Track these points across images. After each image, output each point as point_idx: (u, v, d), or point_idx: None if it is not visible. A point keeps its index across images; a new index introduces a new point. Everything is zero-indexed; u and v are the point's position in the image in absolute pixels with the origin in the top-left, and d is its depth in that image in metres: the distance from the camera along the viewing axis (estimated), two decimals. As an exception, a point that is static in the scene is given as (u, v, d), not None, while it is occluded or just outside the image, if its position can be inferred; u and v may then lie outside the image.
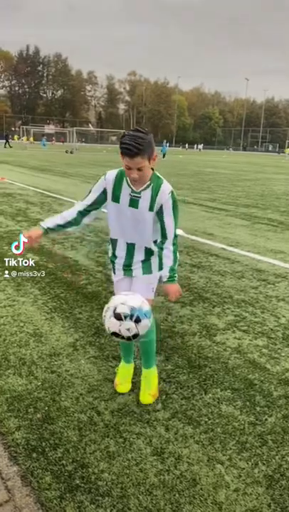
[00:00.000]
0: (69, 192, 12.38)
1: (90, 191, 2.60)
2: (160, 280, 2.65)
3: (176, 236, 2.62)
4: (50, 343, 3.40)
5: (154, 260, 2.68)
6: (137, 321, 2.30)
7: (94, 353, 3.29)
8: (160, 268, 2.62)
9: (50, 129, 76.14)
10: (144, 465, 2.20)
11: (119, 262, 2.70)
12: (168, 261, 2.58)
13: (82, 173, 19.12)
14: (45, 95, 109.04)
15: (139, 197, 2.49)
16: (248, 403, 2.74)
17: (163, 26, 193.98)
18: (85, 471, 2.14)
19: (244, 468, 2.21)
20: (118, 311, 2.31)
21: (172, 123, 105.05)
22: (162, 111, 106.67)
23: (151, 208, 2.50)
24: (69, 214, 2.61)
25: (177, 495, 2.03)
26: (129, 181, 2.47)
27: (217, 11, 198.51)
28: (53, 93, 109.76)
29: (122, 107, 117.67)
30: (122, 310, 2.31)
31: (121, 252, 2.66)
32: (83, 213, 2.61)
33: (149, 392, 2.76)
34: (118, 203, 2.51)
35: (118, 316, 2.30)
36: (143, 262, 2.67)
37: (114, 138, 70.83)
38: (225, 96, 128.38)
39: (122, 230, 2.60)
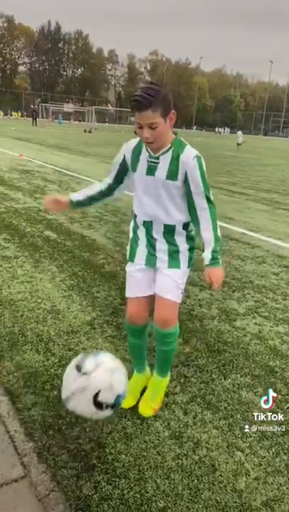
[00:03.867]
0: (86, 171, 12.26)
1: (114, 161, 2.35)
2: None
3: (212, 208, 2.22)
4: (68, 321, 3.36)
5: (184, 252, 2.28)
6: (116, 406, 1.97)
7: (111, 333, 3.23)
8: (203, 250, 2.22)
9: (69, 107, 75.44)
10: (161, 448, 2.16)
11: (142, 244, 2.31)
12: (209, 240, 2.20)
13: (100, 153, 18.95)
14: (65, 73, 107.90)
15: (158, 162, 2.14)
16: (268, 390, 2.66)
17: (186, 5, 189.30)
18: (102, 451, 2.11)
19: (265, 457, 2.14)
20: (100, 399, 1.88)
21: (192, 105, 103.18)
22: (182, 92, 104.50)
23: (170, 176, 2.12)
24: (99, 185, 2.38)
25: (196, 480, 1.98)
26: (147, 146, 2.17)
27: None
28: (73, 71, 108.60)
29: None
30: (106, 399, 1.89)
31: (140, 229, 2.32)
32: (112, 186, 2.37)
33: (151, 405, 2.41)
34: (135, 171, 2.23)
35: (98, 405, 1.89)
36: (169, 251, 2.26)
37: (132, 118, 69.93)
38: (247, 78, 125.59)
39: (139, 204, 2.27)
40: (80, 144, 24.67)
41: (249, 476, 2.03)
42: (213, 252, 2.20)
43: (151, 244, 2.30)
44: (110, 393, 1.91)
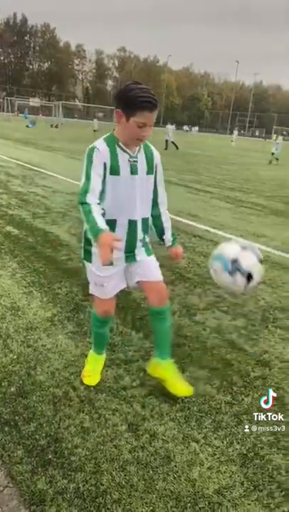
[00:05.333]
0: (52, 166, 12.11)
1: (89, 176, 2.14)
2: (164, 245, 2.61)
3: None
4: (27, 317, 3.33)
5: (148, 240, 2.50)
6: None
7: (72, 329, 3.23)
8: (160, 233, 2.55)
9: (35, 102, 74.08)
10: (118, 441, 2.18)
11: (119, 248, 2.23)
12: (168, 225, 2.55)
13: (66, 148, 18.75)
14: (31, 67, 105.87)
15: (137, 160, 2.26)
16: (225, 383, 2.73)
17: (155, 3, 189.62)
18: (58, 446, 2.11)
19: (219, 447, 2.20)
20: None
21: (160, 102, 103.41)
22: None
23: (149, 171, 2.33)
24: (97, 206, 2.11)
25: (151, 471, 2.02)
26: (123, 146, 2.21)
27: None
28: (39, 65, 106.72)
29: (110, 83, 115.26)
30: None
31: (121, 235, 2.27)
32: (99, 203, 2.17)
33: (184, 383, 2.56)
34: (118, 175, 2.21)
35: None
36: (144, 242, 2.44)
37: (100, 114, 69.37)
38: (214, 77, 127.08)
39: (121, 206, 2.26)
40: (47, 139, 24.30)
41: (203, 465, 2.08)
42: (173, 233, 2.58)
43: (131, 243, 2.37)
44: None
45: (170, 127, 25.43)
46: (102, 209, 2.14)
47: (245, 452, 2.18)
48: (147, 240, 2.48)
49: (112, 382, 2.64)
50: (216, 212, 8.36)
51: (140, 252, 2.43)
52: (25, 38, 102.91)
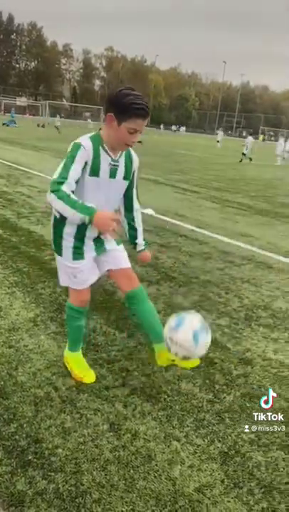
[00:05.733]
0: (38, 166, 12.03)
1: (69, 167, 2.15)
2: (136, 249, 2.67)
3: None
4: (10, 318, 3.30)
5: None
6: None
7: (55, 329, 3.21)
8: (133, 237, 2.62)
9: (22, 101, 73.56)
10: (99, 441, 2.17)
11: (89, 242, 2.39)
12: (141, 229, 2.64)
13: (53, 148, 18.64)
14: (18, 66, 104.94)
15: (118, 165, 2.32)
16: (207, 381, 2.75)
17: (142, 3, 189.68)
18: (39, 447, 2.09)
19: (200, 445, 2.21)
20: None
21: (148, 102, 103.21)
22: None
23: (126, 176, 2.40)
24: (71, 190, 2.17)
25: (132, 471, 2.01)
26: (108, 150, 2.25)
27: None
28: (26, 64, 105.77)
29: (97, 83, 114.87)
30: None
31: (92, 231, 2.35)
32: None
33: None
34: (98, 177, 2.25)
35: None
36: None
37: (88, 114, 69.08)
38: (202, 77, 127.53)
39: (95, 204, 2.22)
40: (33, 138, 24.14)
41: (184, 464, 2.08)
42: (144, 238, 2.67)
43: (100, 236, 2.45)
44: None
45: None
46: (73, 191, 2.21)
47: (226, 450, 2.19)
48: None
49: (94, 381, 2.63)
50: (203, 212, 8.39)
51: (109, 241, 2.50)
52: (12, 36, 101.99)
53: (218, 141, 37.68)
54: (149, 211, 7.28)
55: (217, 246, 5.93)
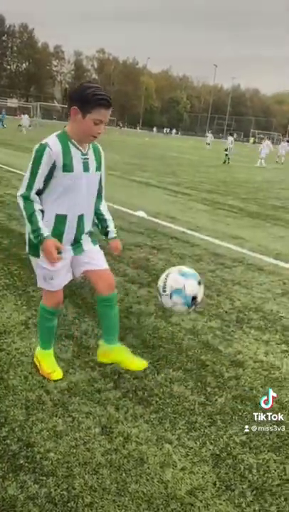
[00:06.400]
0: (30, 168, 11.98)
1: (36, 171, 2.24)
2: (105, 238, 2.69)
3: None
4: (1, 321, 3.28)
5: (92, 231, 2.63)
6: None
7: (46, 332, 3.19)
8: (103, 227, 2.64)
9: (13, 102, 73.31)
10: (91, 444, 2.17)
11: (67, 240, 2.43)
12: (109, 218, 2.66)
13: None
14: (9, 67, 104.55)
15: (88, 158, 2.37)
16: (199, 384, 2.75)
17: (134, 5, 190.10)
18: (30, 451, 2.08)
19: (192, 448, 2.21)
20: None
21: (139, 105, 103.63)
22: (130, 92, 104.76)
23: (98, 168, 2.45)
24: (38, 203, 2.29)
25: (124, 474, 2.01)
26: (76, 144, 2.31)
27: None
28: (17, 65, 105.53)
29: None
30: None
31: (70, 229, 2.41)
32: (40, 191, 2.30)
33: (137, 358, 2.70)
34: (72, 172, 2.28)
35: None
36: (90, 233, 2.57)
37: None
38: (193, 80, 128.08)
39: (73, 202, 2.35)
40: (25, 140, 24.05)
41: (176, 466, 2.09)
42: (114, 227, 2.67)
43: (79, 235, 2.49)
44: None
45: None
46: (39, 199, 2.30)
47: (217, 452, 2.20)
48: (92, 230, 2.61)
49: (86, 385, 2.62)
50: (194, 214, 8.42)
51: (86, 242, 2.53)
52: (3, 38, 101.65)
53: (207, 144, 38.44)
54: (141, 213, 7.29)
55: (208, 248, 5.95)
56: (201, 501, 1.90)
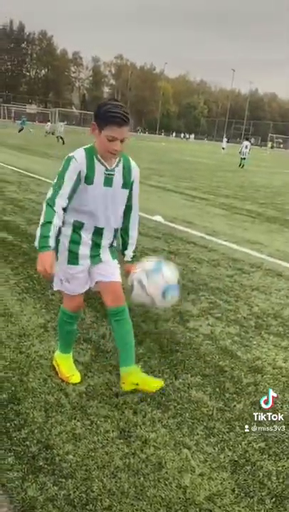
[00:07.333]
0: (48, 173, 12.13)
1: (62, 180, 2.28)
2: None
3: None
4: (21, 324, 3.32)
5: (115, 247, 2.64)
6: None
7: (65, 335, 3.22)
8: (122, 248, 2.68)
9: (32, 108, 74.40)
10: (110, 448, 2.17)
11: (85, 249, 2.46)
12: (132, 242, 2.69)
13: (62, 155, 18.77)
14: (28, 74, 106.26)
15: (113, 174, 2.40)
16: (217, 389, 2.74)
17: (152, 12, 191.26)
18: (49, 453, 2.10)
19: (210, 453, 2.20)
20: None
21: (156, 109, 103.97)
22: (147, 97, 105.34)
23: (125, 185, 2.46)
24: (59, 218, 2.26)
25: (142, 478, 2.01)
26: (101, 159, 2.35)
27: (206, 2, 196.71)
28: (36, 72, 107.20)
29: (106, 90, 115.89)
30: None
31: (87, 237, 2.45)
32: (66, 208, 2.31)
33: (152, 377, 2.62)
34: (92, 184, 2.35)
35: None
36: (110, 247, 2.57)
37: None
38: (210, 85, 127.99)
39: (90, 213, 2.40)
40: (43, 145, 24.36)
41: (194, 472, 2.08)
42: (135, 251, 2.72)
43: (97, 246, 2.51)
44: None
45: (60, 123, 31.81)
46: (66, 206, 2.30)
47: (236, 459, 2.18)
48: (115, 245, 2.63)
49: (104, 388, 2.64)
50: (211, 218, 8.40)
51: (105, 254, 2.54)
52: (22, 45, 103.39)
53: (223, 148, 39.26)
54: (158, 218, 7.31)
55: (226, 253, 5.93)
56: (219, 507, 1.89)
